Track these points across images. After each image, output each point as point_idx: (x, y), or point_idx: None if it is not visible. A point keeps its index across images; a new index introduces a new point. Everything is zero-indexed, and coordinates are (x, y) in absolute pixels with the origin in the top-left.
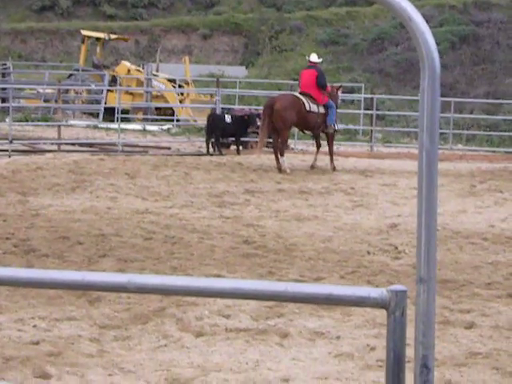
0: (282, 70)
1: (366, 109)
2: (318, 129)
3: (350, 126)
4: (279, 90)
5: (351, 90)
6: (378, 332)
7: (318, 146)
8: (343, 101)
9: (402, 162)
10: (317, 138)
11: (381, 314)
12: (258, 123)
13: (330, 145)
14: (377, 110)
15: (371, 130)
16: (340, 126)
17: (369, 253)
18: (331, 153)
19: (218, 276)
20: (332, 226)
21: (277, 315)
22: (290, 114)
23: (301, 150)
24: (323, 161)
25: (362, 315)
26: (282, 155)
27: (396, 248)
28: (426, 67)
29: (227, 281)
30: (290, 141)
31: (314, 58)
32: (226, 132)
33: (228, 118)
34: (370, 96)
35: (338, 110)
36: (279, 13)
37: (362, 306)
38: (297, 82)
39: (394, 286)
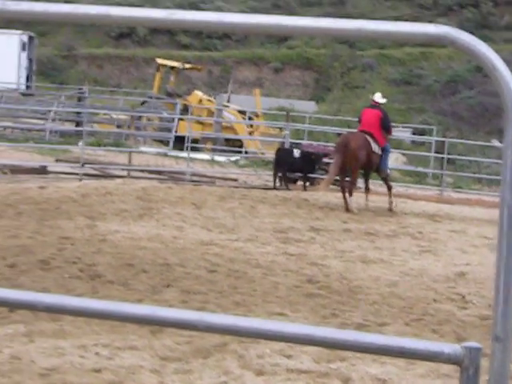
0: (352, 107)
1: (436, 152)
2: (375, 171)
3: (420, 169)
4: (349, 127)
5: (422, 132)
6: (442, 383)
7: (390, 187)
8: (413, 142)
9: (472, 208)
10: (386, 181)
11: (445, 365)
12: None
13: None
14: (448, 153)
15: (441, 174)
16: (409, 168)
17: (435, 301)
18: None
19: (281, 314)
20: (398, 270)
21: (339, 359)
22: (362, 153)
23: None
24: (383, 202)
25: (426, 364)
26: (350, 195)
27: (463, 297)
28: (510, 118)
29: (296, 326)
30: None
31: (378, 97)
32: (293, 167)
33: (297, 153)
34: (441, 139)
35: (408, 152)
36: (351, 49)
37: (435, 361)
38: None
39: (468, 343)
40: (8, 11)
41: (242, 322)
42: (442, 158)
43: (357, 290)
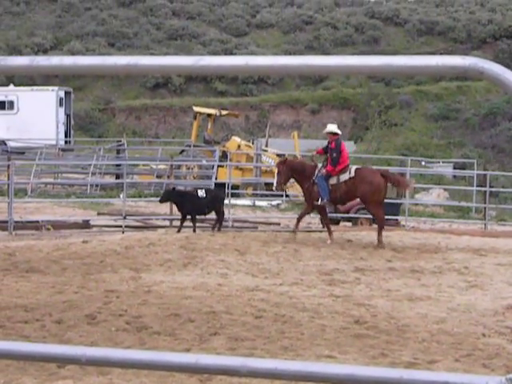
0: (392, 145)
1: (478, 185)
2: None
3: (463, 204)
4: (389, 165)
5: (463, 166)
6: None
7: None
8: (455, 177)
9: None
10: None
11: None
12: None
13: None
14: (490, 186)
15: (485, 208)
16: (452, 203)
17: (484, 335)
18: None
19: (330, 357)
20: (445, 306)
21: None
22: None
23: (412, 227)
24: (427, 239)
25: None
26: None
27: None
28: None
29: (341, 366)
30: (400, 217)
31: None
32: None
33: (201, 192)
34: (483, 172)
35: (450, 187)
36: (388, 87)
37: None
38: (407, 158)
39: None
40: (38, 67)
41: (284, 365)
42: (485, 191)
43: (405, 329)
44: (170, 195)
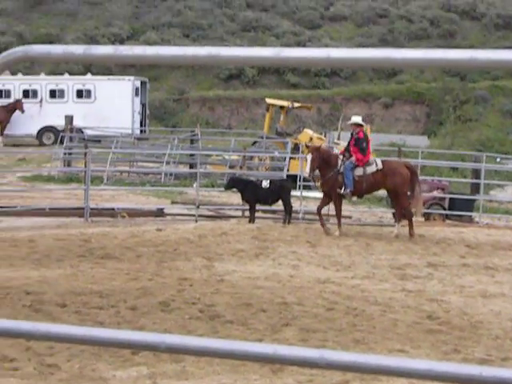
0: (466, 140)
1: None
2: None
3: None
4: (462, 160)
5: None
6: None
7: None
8: None
9: None
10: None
11: None
12: (435, 194)
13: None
14: None
15: None
16: None
17: None
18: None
19: (402, 351)
20: None
21: None
22: None
23: (486, 224)
24: (502, 236)
25: None
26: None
27: None
28: None
29: (418, 361)
30: (474, 214)
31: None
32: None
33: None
34: None
35: None
36: (463, 82)
37: None
38: (482, 154)
39: None
40: (121, 56)
41: (363, 358)
42: None
43: (478, 325)
44: (234, 183)
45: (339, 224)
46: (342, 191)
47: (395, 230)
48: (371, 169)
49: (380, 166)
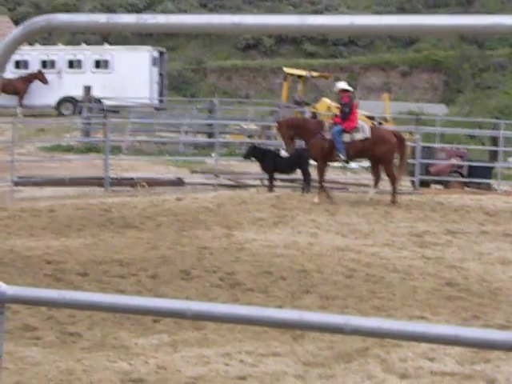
0: (484, 108)
1: None
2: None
3: None
4: (480, 128)
5: None
6: None
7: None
8: None
9: None
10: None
11: None
12: (454, 161)
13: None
14: None
15: None
16: None
17: None
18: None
19: (422, 318)
20: None
21: (483, 360)
22: None
23: (504, 191)
24: None
25: None
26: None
27: None
28: None
29: (442, 327)
30: (493, 181)
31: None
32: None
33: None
34: None
35: None
36: (481, 50)
37: None
38: (501, 122)
39: None
40: (145, 25)
41: (387, 324)
42: None
43: (497, 292)
44: (253, 152)
45: (319, 192)
46: (342, 158)
47: (369, 194)
48: (358, 136)
49: (368, 134)
